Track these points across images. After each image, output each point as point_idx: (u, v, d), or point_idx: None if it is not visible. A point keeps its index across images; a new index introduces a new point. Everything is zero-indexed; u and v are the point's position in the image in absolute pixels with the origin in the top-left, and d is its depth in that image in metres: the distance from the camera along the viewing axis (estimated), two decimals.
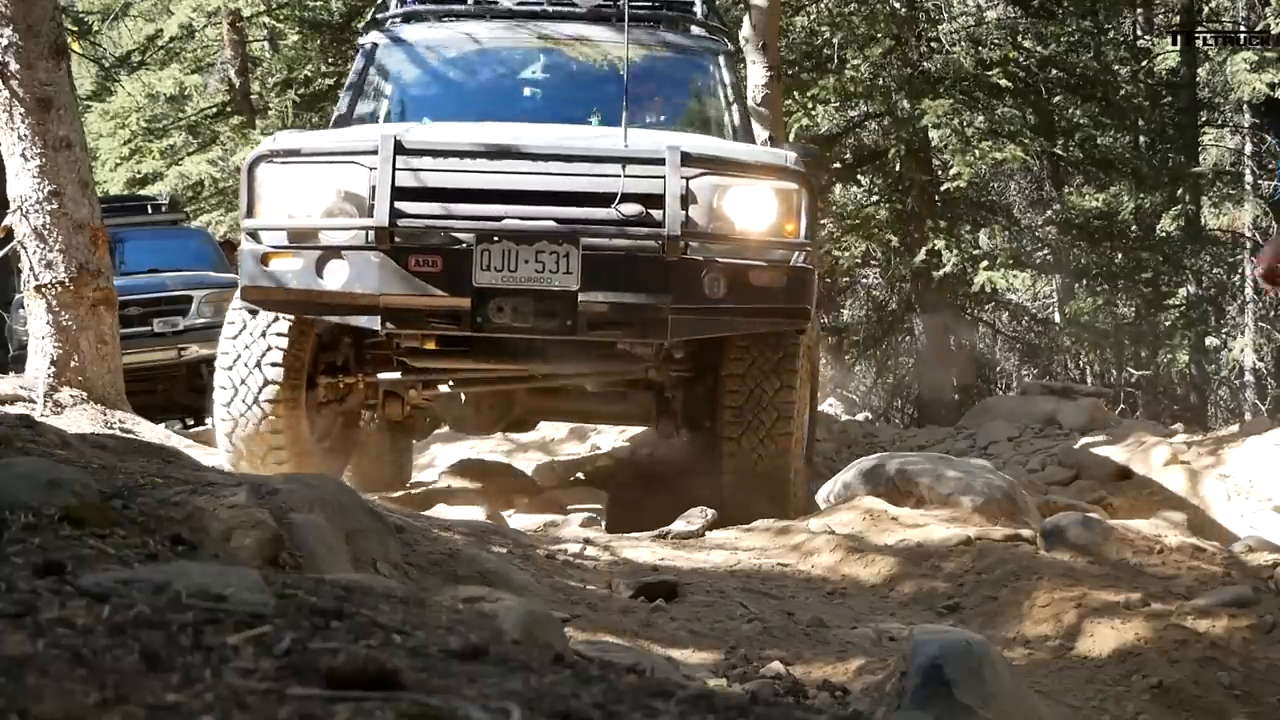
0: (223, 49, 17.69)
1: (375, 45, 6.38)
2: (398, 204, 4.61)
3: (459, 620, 1.54)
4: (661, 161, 4.69)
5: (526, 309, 4.61)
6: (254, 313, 5.07)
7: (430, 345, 5.16)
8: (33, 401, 5.91)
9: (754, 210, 4.78)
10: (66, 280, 6.07)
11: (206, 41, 18.52)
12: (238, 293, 5.12)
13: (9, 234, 6.23)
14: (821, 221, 15.37)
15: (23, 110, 6.03)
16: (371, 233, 4.64)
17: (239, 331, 5.12)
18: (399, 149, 4.65)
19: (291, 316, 5.04)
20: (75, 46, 15.09)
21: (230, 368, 5.10)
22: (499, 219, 4.67)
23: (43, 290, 6.05)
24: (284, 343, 5.06)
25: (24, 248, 6.10)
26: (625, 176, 4.70)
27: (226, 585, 1.35)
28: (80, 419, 5.65)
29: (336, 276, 4.69)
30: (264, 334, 5.06)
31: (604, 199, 4.70)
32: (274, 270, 4.78)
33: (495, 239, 4.57)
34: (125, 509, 1.92)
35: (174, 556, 1.70)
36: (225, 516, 2.06)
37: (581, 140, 5.04)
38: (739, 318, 4.83)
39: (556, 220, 4.68)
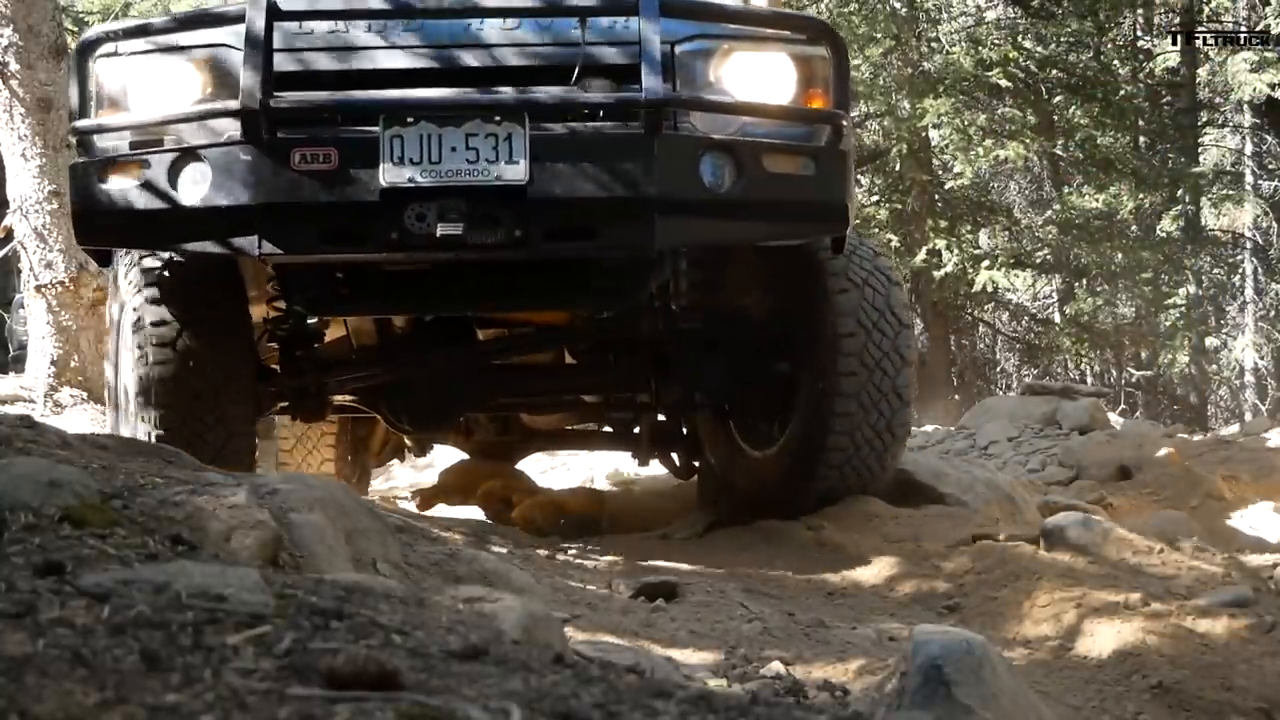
0: None
1: None
2: (274, 83, 3.49)
3: (459, 620, 1.54)
4: (634, 9, 3.51)
5: (457, 214, 3.41)
6: (159, 316, 3.94)
7: (341, 285, 3.96)
8: (33, 401, 5.92)
9: (764, 81, 3.65)
10: (66, 280, 6.08)
11: None
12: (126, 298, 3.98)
13: (9, 234, 6.25)
14: None
15: (23, 110, 6.04)
16: (240, 123, 3.45)
17: (167, 346, 3.91)
18: (273, 11, 3.50)
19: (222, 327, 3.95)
20: None
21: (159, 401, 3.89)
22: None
23: (43, 290, 6.06)
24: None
25: (24, 248, 6.11)
26: (586, 44, 3.58)
27: (226, 585, 1.35)
28: (80, 419, 5.66)
29: (196, 187, 3.47)
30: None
31: (558, 72, 3.59)
32: (113, 189, 3.54)
33: (409, 120, 3.42)
34: (125, 509, 1.92)
35: (174, 556, 1.70)
36: (225, 516, 2.07)
37: None
38: (751, 219, 3.62)
39: None
